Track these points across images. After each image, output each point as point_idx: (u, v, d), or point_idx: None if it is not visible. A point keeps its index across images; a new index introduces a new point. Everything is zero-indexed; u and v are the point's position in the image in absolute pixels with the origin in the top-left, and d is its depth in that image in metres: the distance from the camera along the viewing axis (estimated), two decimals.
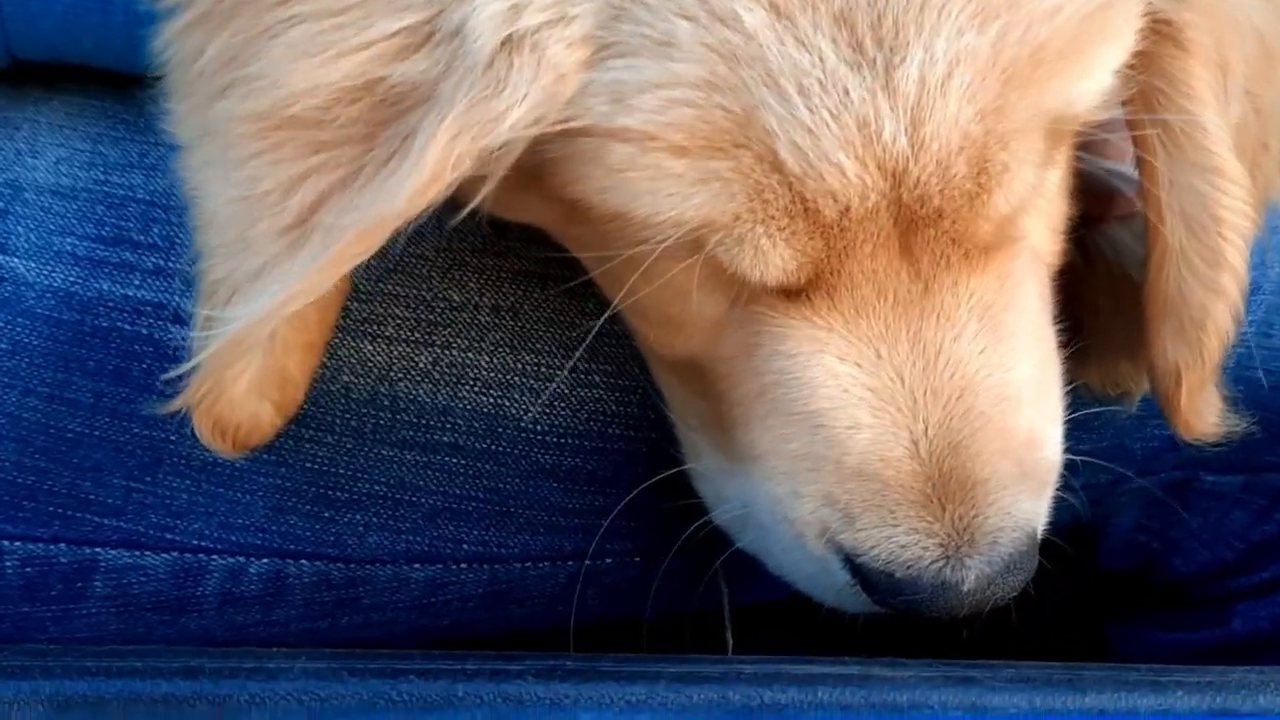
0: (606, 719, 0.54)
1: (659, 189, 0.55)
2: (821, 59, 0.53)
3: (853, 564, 0.63)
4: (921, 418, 0.61)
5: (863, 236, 0.58)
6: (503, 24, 0.52)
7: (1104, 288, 0.75)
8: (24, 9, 0.70)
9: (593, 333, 0.69)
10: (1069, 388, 0.69)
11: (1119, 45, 0.59)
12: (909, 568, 0.61)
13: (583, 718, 0.53)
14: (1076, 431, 0.69)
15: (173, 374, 0.61)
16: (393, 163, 0.53)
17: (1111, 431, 0.79)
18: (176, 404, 0.63)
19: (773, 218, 0.56)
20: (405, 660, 0.56)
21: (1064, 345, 0.70)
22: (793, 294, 0.60)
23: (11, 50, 0.72)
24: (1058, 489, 0.68)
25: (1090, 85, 0.58)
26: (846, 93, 0.54)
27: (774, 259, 0.57)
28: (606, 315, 0.65)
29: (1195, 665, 0.67)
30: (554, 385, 0.76)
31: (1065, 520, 0.79)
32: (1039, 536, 0.64)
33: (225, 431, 0.64)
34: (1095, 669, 0.62)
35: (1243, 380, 0.77)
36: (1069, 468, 0.71)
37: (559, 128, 0.54)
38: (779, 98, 0.53)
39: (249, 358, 0.61)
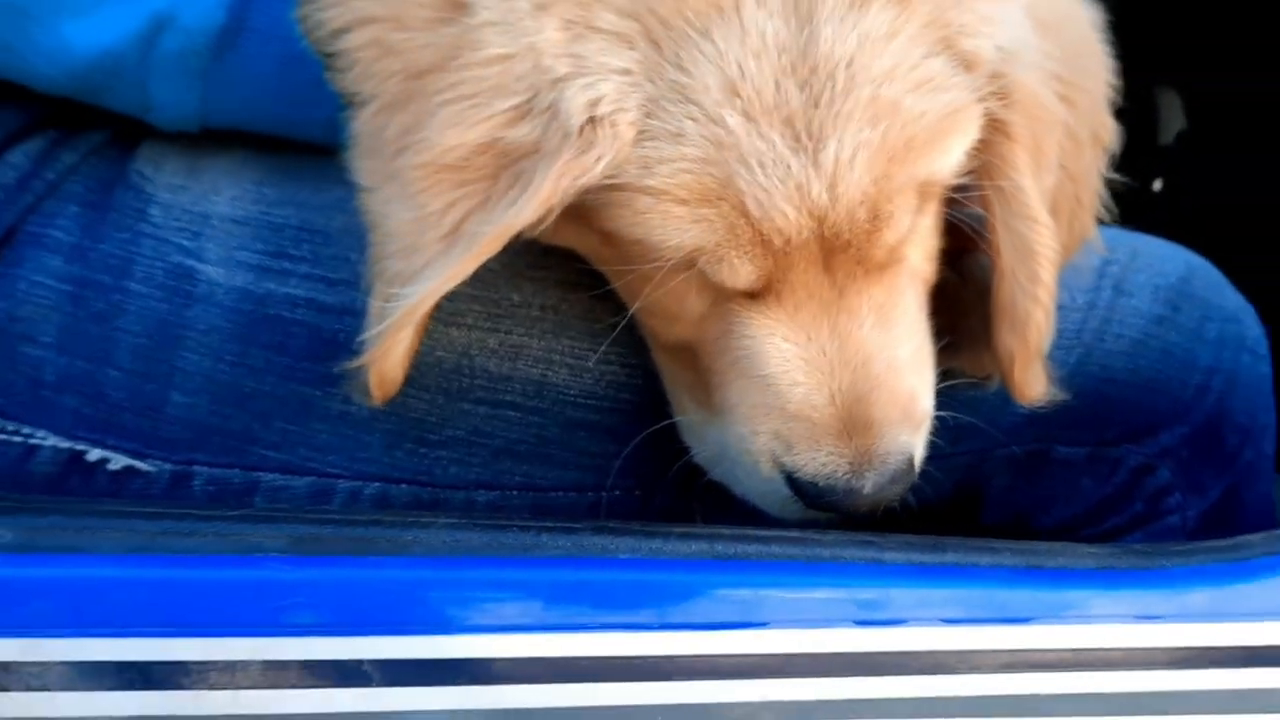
0: (637, 559, 0.75)
1: (668, 225, 0.71)
2: (774, 146, 0.69)
3: (792, 480, 0.77)
4: (837, 379, 0.75)
5: (799, 258, 0.73)
6: (587, 107, 0.68)
7: (973, 298, 0.87)
8: (234, 106, 0.85)
9: (619, 327, 0.83)
10: (947, 374, 0.81)
11: (966, 135, 0.74)
12: (829, 479, 0.76)
13: (621, 558, 0.76)
14: (954, 406, 0.81)
15: (361, 338, 0.74)
16: (513, 192, 0.69)
17: (983, 409, 0.91)
18: (357, 362, 0.75)
19: (741, 245, 0.72)
20: (506, 523, 0.76)
21: (944, 341, 0.82)
22: (753, 296, 0.75)
23: (206, 123, 0.88)
24: (946, 451, 0.82)
25: (946, 161, 0.73)
26: (789, 167, 0.69)
27: (742, 272, 0.73)
28: (627, 317, 0.79)
29: None
30: (584, 362, 0.90)
31: (956, 478, 0.97)
32: (916, 460, 0.79)
33: (383, 385, 0.76)
34: (954, 540, 0.78)
35: (1080, 373, 0.93)
36: (952, 437, 0.82)
37: (608, 182, 0.71)
38: (747, 170, 0.69)
39: (406, 330, 0.74)
